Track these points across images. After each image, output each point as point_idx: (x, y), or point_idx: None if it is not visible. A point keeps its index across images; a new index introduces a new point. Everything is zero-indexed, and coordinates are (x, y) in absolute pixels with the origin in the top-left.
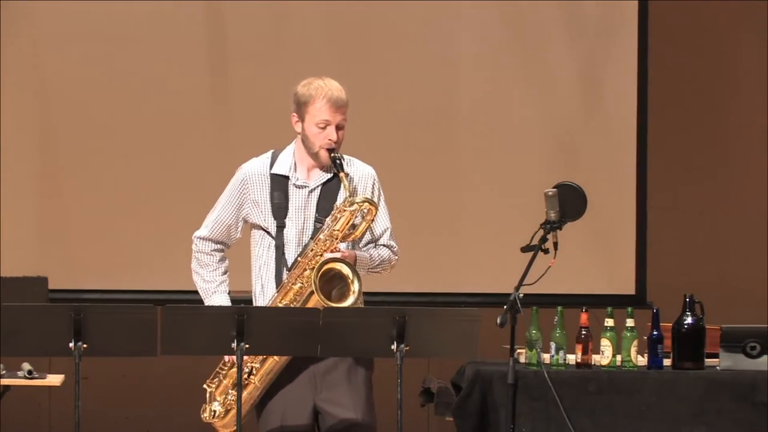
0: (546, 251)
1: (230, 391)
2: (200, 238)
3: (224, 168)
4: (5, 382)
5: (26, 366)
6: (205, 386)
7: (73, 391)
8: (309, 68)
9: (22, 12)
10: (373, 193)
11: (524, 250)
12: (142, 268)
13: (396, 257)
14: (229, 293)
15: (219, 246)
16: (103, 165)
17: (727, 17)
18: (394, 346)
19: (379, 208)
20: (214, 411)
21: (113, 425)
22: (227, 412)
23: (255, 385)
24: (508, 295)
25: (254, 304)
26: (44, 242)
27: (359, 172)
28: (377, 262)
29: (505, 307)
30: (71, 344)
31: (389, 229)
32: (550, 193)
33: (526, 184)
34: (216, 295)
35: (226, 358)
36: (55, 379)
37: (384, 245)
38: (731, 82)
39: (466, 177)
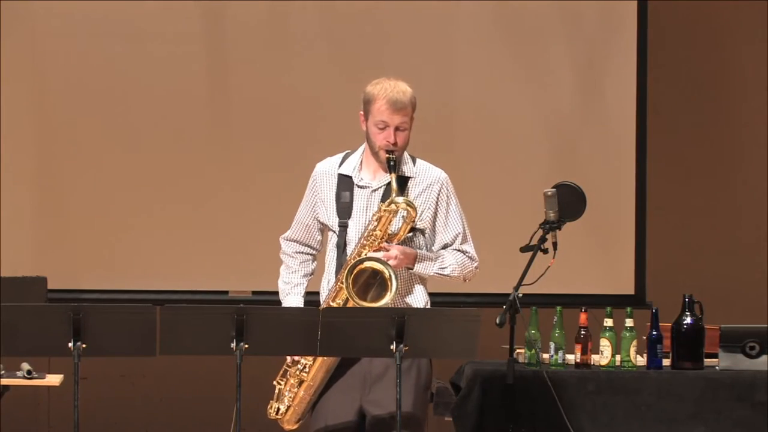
0: (545, 251)
1: (290, 388)
2: (284, 239)
3: (223, 167)
4: (4, 382)
5: (25, 366)
6: (275, 383)
7: (72, 391)
8: (307, 67)
9: (22, 12)
10: (439, 197)
11: (523, 250)
12: (141, 268)
13: (474, 263)
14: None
15: (303, 248)
16: (102, 165)
17: (727, 17)
18: (393, 346)
19: (447, 215)
20: (278, 408)
21: (112, 425)
22: (288, 408)
23: (309, 383)
24: (508, 295)
25: (321, 301)
26: (43, 242)
27: (428, 176)
28: (445, 265)
29: (504, 307)
30: (70, 344)
31: (461, 234)
32: (549, 193)
33: (525, 184)
34: (290, 297)
35: (288, 357)
36: (54, 379)
37: (457, 250)
38: (731, 82)
39: (465, 177)
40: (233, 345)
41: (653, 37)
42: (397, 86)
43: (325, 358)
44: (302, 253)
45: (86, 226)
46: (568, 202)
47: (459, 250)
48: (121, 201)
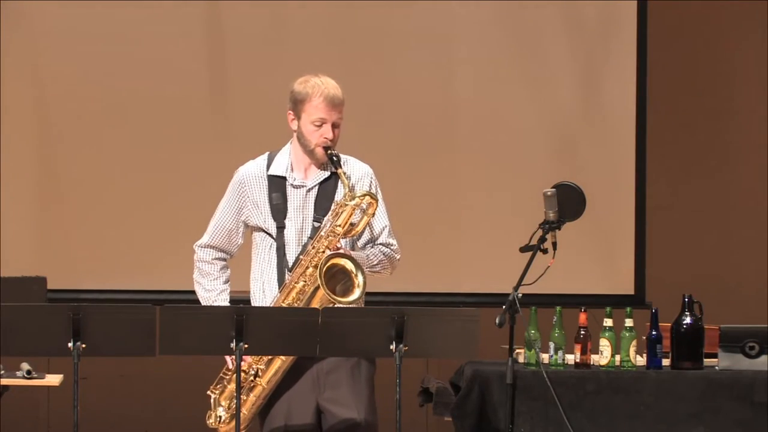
0: (545, 251)
1: (235, 395)
2: (201, 247)
3: (223, 168)
4: (4, 382)
5: (25, 366)
6: (209, 393)
7: (72, 391)
8: (307, 69)
9: (22, 12)
10: (370, 190)
11: (523, 250)
12: (141, 268)
13: (397, 256)
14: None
15: (220, 254)
16: (102, 165)
17: (727, 17)
18: (392, 346)
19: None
20: (220, 417)
21: (112, 425)
22: (233, 417)
23: (262, 387)
24: (507, 295)
25: (252, 305)
26: (43, 242)
27: (357, 170)
28: (375, 262)
29: (503, 307)
30: (70, 344)
31: (387, 227)
32: (548, 193)
33: (525, 184)
34: (217, 304)
35: (229, 363)
36: (53, 379)
37: (382, 244)
38: (730, 82)
39: (465, 177)
40: (233, 345)
41: (653, 37)
42: (328, 83)
43: (283, 359)
44: (220, 259)
45: (87, 227)
46: (568, 202)
47: (384, 244)
48: (121, 201)
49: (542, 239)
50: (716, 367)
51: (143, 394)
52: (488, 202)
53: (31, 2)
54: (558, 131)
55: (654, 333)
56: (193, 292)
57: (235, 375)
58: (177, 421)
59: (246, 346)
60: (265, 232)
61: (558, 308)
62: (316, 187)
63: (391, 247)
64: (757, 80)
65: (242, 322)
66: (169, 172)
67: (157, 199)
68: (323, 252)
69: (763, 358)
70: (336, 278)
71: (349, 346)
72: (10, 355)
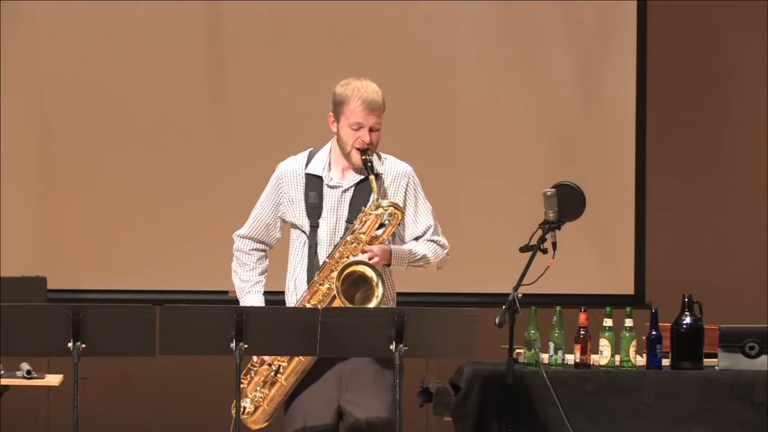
0: (545, 251)
1: (259, 388)
2: (240, 237)
3: (223, 168)
4: (4, 382)
5: (25, 366)
6: None
7: (72, 391)
8: (307, 68)
9: (22, 12)
10: (407, 191)
11: (523, 250)
12: (141, 268)
13: (444, 252)
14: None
15: (258, 245)
16: (102, 165)
17: (727, 17)
18: (392, 346)
19: (416, 208)
20: (244, 407)
21: (111, 425)
22: (256, 408)
23: (282, 384)
24: (507, 295)
25: (286, 302)
26: (43, 242)
27: (394, 170)
28: (418, 257)
29: (503, 307)
30: (70, 344)
31: (432, 227)
32: (548, 193)
33: (525, 184)
34: (250, 295)
35: (255, 357)
36: (53, 379)
37: (429, 240)
38: (730, 82)
39: (465, 177)
40: (233, 345)
41: (653, 37)
42: (369, 86)
43: (302, 359)
44: (258, 250)
45: (86, 226)
46: (568, 202)
47: (431, 241)
48: (120, 201)
49: (542, 239)
50: (716, 367)
51: (143, 394)
52: (488, 202)
53: (31, 2)
54: (558, 131)
55: (654, 333)
56: (194, 292)
57: (261, 367)
58: (177, 421)
59: (246, 346)
60: (300, 230)
61: (558, 308)
62: (352, 188)
63: (439, 243)
64: (757, 80)
65: (242, 322)
66: (170, 172)
67: (156, 200)
68: (346, 257)
69: (763, 358)
70: (357, 285)
71: (349, 346)
72: (10, 355)
